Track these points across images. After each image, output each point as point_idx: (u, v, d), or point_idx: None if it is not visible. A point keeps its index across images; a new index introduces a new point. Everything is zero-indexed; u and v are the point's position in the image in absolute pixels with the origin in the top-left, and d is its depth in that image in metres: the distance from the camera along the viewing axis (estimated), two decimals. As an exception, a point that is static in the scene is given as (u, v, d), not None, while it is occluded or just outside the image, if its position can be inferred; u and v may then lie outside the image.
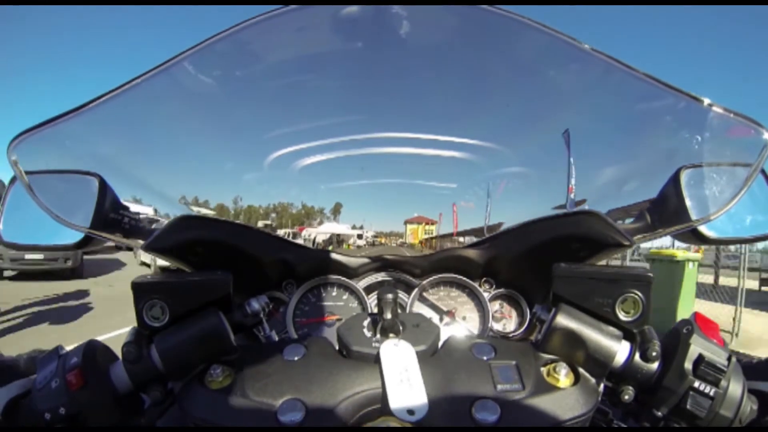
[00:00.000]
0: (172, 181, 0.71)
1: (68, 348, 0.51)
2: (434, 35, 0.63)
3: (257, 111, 0.75)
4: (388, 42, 0.62)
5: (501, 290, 0.81)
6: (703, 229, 0.58)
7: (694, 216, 0.53)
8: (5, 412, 0.47)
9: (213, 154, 0.77)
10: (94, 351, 0.49)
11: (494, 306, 0.82)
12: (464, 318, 0.81)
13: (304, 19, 0.56)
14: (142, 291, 0.49)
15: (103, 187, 0.59)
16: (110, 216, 0.60)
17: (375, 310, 0.52)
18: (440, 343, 0.50)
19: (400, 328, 0.50)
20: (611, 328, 0.47)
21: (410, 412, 0.41)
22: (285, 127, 0.76)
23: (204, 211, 0.75)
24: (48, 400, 0.45)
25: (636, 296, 0.48)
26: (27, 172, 0.54)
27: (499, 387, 0.43)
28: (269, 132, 0.78)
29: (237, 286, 0.54)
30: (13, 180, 0.63)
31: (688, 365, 0.44)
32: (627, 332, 0.48)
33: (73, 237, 0.62)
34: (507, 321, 0.82)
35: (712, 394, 0.43)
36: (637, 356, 0.46)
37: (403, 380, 0.43)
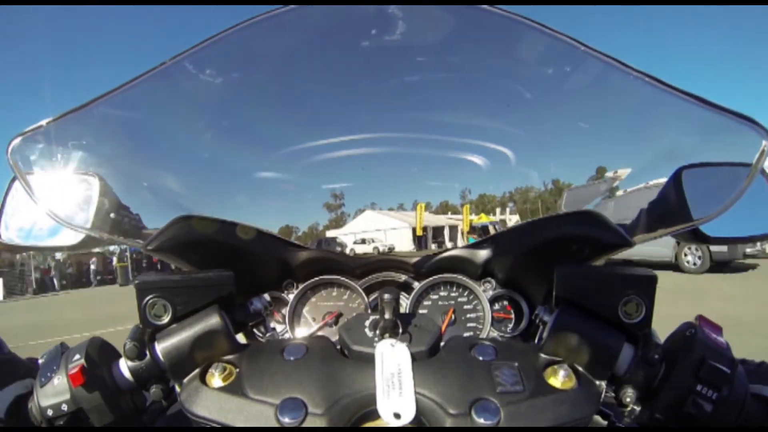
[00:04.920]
0: (171, 181, 0.71)
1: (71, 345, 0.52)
2: (433, 35, 0.63)
3: (256, 111, 0.75)
4: (387, 42, 0.62)
5: (501, 290, 0.81)
6: (704, 229, 0.58)
7: (694, 216, 0.53)
8: (9, 409, 0.48)
9: (212, 154, 0.77)
10: (96, 348, 0.49)
11: (494, 306, 0.82)
12: (464, 318, 0.81)
13: (305, 18, 0.56)
14: (144, 289, 0.49)
15: (104, 187, 0.59)
16: (110, 216, 0.60)
17: (377, 310, 0.52)
18: (442, 344, 0.50)
19: (400, 328, 0.50)
20: (614, 330, 0.47)
21: (396, 415, 0.41)
22: (285, 127, 0.76)
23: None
24: (51, 397, 0.46)
25: (639, 298, 0.47)
26: (27, 172, 0.54)
27: (500, 388, 0.43)
28: (269, 132, 0.78)
29: (237, 285, 0.54)
30: (13, 180, 0.63)
31: (690, 369, 0.44)
32: (630, 334, 0.47)
33: (73, 237, 0.62)
34: (507, 321, 0.82)
35: (714, 398, 0.43)
36: (639, 359, 0.46)
37: (394, 382, 0.43)
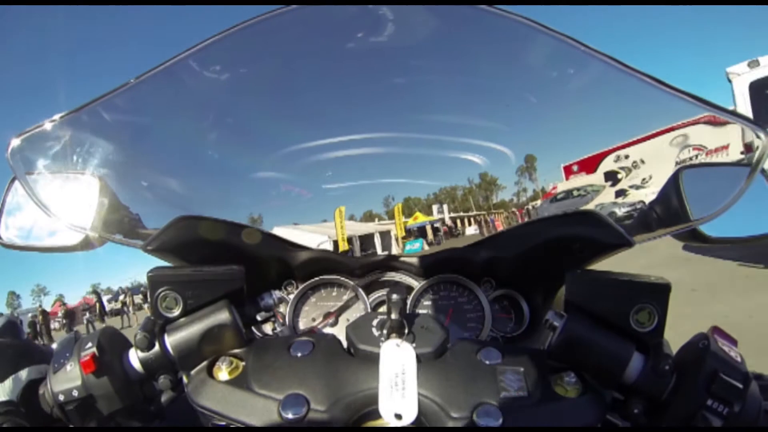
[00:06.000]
0: (171, 181, 0.71)
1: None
2: (434, 36, 0.63)
3: (256, 111, 0.75)
4: (387, 42, 0.61)
5: (501, 290, 0.81)
6: (703, 229, 0.58)
7: (694, 216, 0.53)
8: (23, 393, 0.51)
9: (210, 154, 0.77)
10: (108, 337, 0.51)
11: (494, 306, 0.82)
12: (464, 318, 0.81)
13: (306, 19, 0.56)
14: (156, 282, 0.50)
15: (104, 187, 0.59)
16: (110, 216, 0.60)
17: (378, 310, 0.52)
18: (449, 346, 0.50)
19: (406, 329, 0.49)
20: (624, 339, 0.46)
21: (398, 416, 0.41)
22: (285, 127, 0.76)
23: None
24: (62, 382, 0.47)
25: (652, 306, 0.46)
26: (26, 172, 0.54)
27: (503, 393, 0.43)
28: (268, 133, 0.78)
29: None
30: (12, 180, 0.63)
31: (701, 382, 0.43)
32: (641, 343, 0.47)
33: (73, 237, 0.62)
34: (507, 321, 0.82)
35: (725, 413, 0.42)
36: (649, 369, 0.45)
37: (397, 382, 0.43)
